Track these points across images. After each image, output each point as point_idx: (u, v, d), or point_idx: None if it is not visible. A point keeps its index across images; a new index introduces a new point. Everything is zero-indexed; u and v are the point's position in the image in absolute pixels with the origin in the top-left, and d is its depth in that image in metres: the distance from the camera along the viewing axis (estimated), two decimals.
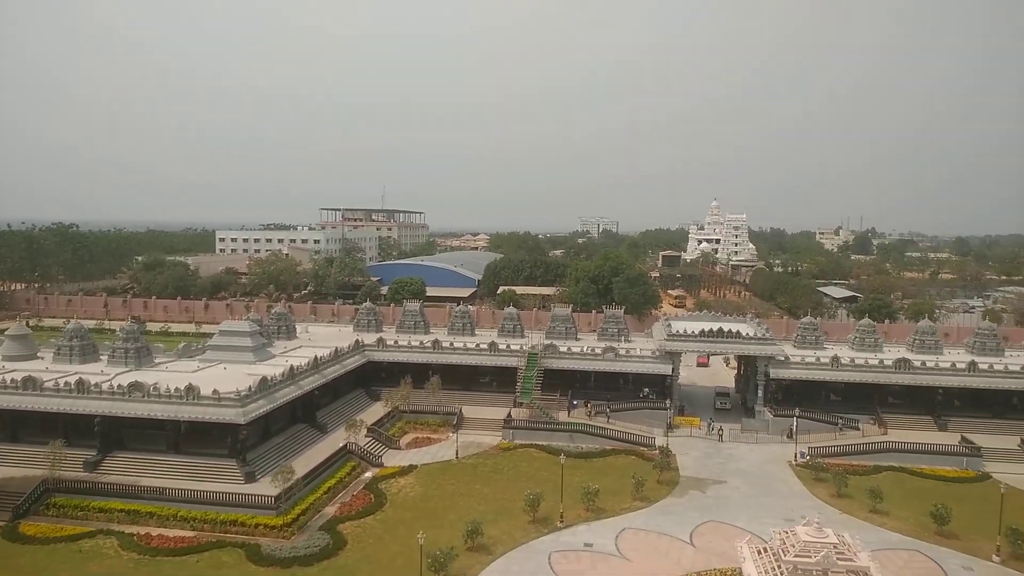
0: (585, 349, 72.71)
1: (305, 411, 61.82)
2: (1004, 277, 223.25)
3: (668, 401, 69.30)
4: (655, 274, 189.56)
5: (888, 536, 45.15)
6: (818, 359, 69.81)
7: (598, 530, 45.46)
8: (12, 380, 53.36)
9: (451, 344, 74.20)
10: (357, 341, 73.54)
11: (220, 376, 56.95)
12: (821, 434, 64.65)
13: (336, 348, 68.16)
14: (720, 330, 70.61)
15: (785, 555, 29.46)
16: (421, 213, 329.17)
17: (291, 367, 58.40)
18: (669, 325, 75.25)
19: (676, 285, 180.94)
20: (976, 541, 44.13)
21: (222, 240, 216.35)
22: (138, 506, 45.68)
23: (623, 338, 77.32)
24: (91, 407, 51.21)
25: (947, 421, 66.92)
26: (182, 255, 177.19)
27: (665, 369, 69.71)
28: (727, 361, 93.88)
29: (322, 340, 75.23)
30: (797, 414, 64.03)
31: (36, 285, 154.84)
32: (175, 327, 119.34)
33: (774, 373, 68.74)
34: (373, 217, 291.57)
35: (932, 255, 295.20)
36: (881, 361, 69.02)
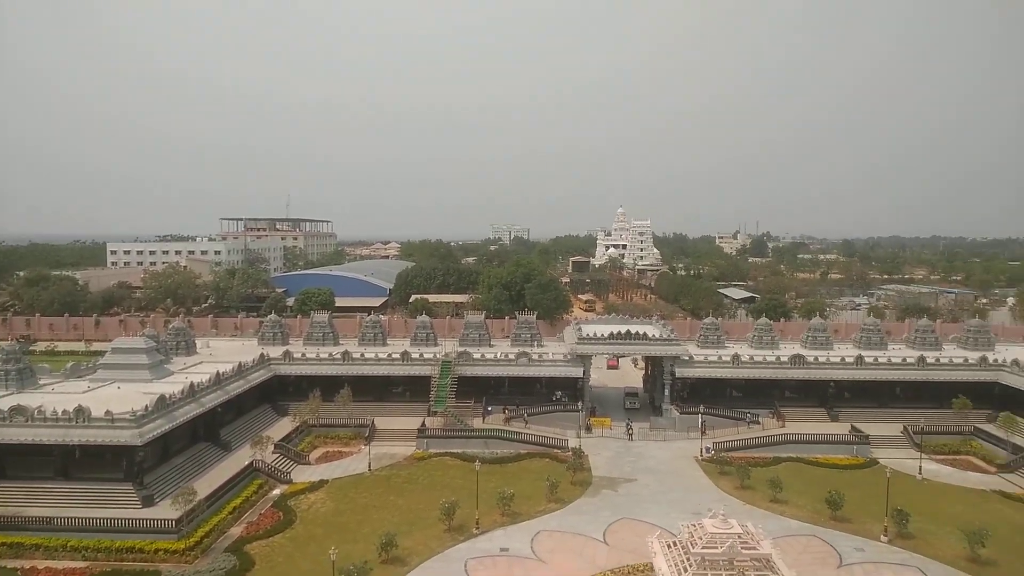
0: (499, 355, 72.97)
1: (208, 429, 59.12)
2: (886, 276, 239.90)
3: (580, 403, 70.52)
4: (566, 279, 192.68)
5: (788, 523, 47.46)
6: (720, 358, 72.78)
7: (514, 534, 45.62)
8: None
9: (362, 355, 72.83)
10: (262, 355, 71.06)
11: (114, 396, 53.69)
12: (725, 429, 67.39)
13: (240, 363, 65.62)
14: (628, 332, 72.48)
15: (693, 547, 30.50)
16: (328, 222, 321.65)
17: (191, 384, 55.75)
18: (580, 329, 76.63)
19: (586, 290, 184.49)
20: (866, 523, 47.02)
21: (113, 253, 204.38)
22: (22, 538, 42.32)
23: (536, 343, 78.11)
24: None
25: (838, 412, 71.10)
26: (69, 269, 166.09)
27: (577, 372, 70.88)
28: (635, 362, 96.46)
29: (225, 355, 72.23)
30: (702, 411, 66.47)
31: None
32: (63, 346, 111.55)
33: (680, 372, 71.13)
34: (278, 227, 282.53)
35: (822, 257, 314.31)
36: (778, 358, 72.66)
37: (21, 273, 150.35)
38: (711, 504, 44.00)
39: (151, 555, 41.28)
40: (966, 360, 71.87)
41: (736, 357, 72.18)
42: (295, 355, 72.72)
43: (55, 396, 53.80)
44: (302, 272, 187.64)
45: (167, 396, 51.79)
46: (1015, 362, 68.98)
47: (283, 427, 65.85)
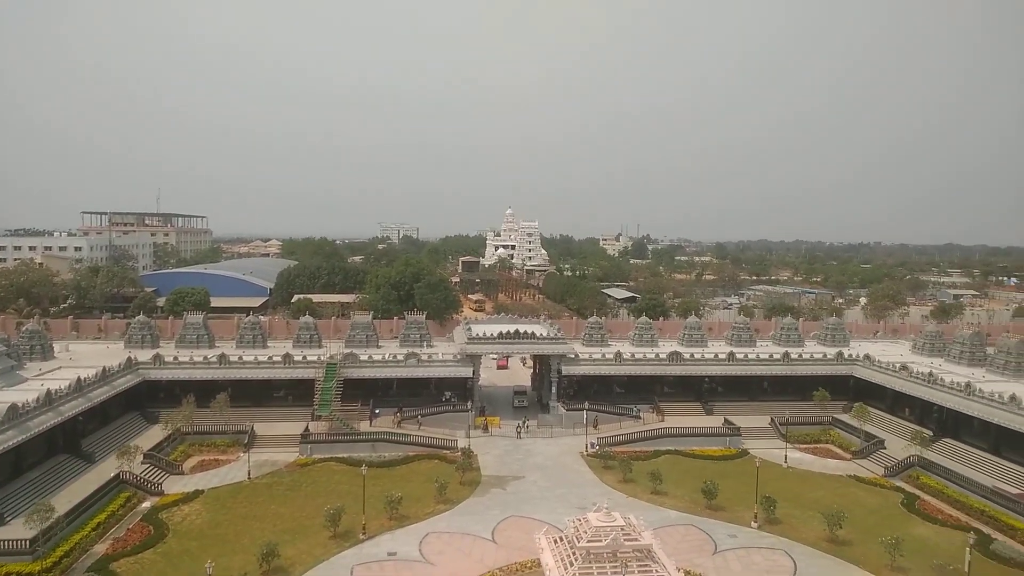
0: (387, 356, 71.80)
1: (68, 440, 54.52)
2: (754, 277, 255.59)
3: (470, 403, 70.59)
4: (456, 279, 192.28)
5: (667, 514, 49.56)
6: (604, 355, 75.03)
7: (402, 538, 44.99)
8: None
9: (240, 358, 69.56)
10: (129, 359, 66.44)
11: None
12: (609, 424, 69.54)
13: (104, 368, 60.95)
14: (517, 332, 73.31)
15: (579, 541, 31.14)
16: (203, 217, 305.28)
17: (48, 391, 51.21)
18: (469, 329, 76.74)
19: (476, 290, 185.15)
20: (739, 511, 49.86)
21: None
22: None
23: (425, 343, 77.46)
24: None
25: (713, 406, 75.04)
26: None
27: (466, 372, 70.90)
28: (524, 361, 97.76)
29: (87, 359, 66.92)
30: (587, 407, 68.22)
31: None
32: None
33: (566, 370, 72.72)
34: (147, 222, 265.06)
35: (697, 259, 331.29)
36: (657, 355, 75.81)
37: None
38: (596, 498, 45.20)
39: None
40: (825, 355, 77.80)
41: (619, 355, 74.65)
42: (167, 359, 68.47)
43: None
44: (174, 270, 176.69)
45: (19, 405, 47.30)
46: (867, 357, 75.41)
47: (154, 436, 61.77)
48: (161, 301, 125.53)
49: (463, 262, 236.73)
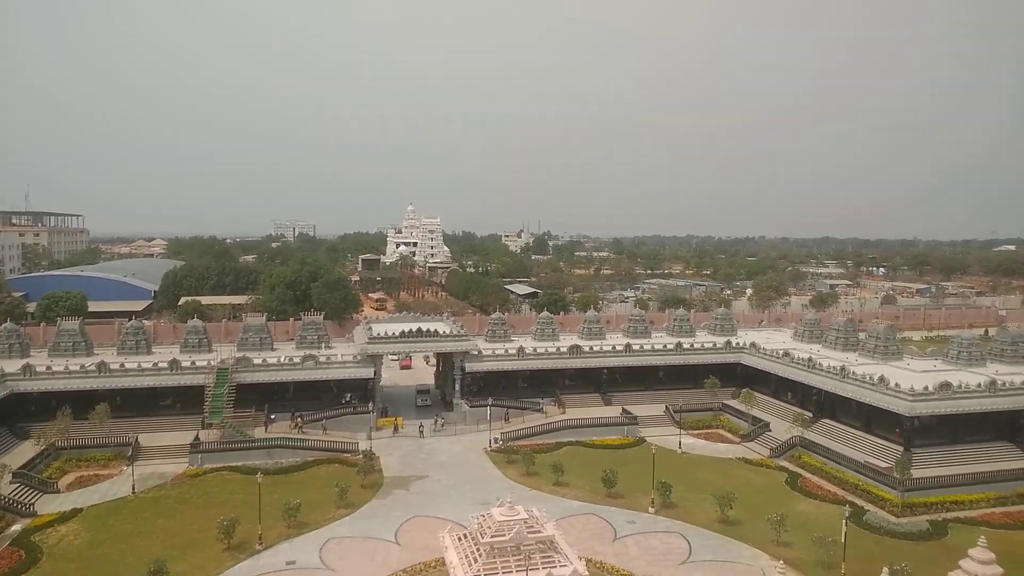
0: (283, 359, 69.39)
1: None
2: (649, 271, 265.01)
3: (371, 404, 69.35)
4: (355, 278, 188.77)
5: (569, 504, 50.51)
6: (507, 351, 75.59)
7: (301, 546, 43.63)
8: None
9: (122, 365, 65.37)
10: None
11: None
12: (512, 419, 70.12)
13: None
14: (419, 330, 72.64)
15: (483, 537, 31.21)
16: (79, 216, 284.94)
17: None
18: (370, 328, 75.35)
19: (377, 288, 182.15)
20: (637, 497, 51.46)
21: None
22: None
23: (323, 345, 75.39)
24: None
25: (611, 396, 77.11)
26: None
27: (367, 373, 69.60)
28: (427, 359, 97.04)
29: None
30: (490, 403, 68.48)
31: None
32: None
33: (469, 367, 72.74)
34: (14, 221, 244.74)
35: (595, 254, 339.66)
36: (558, 348, 77.12)
37: None
38: (500, 493, 45.45)
39: None
40: (715, 344, 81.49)
41: (521, 350, 75.40)
42: (38, 369, 63.40)
43: None
44: (47, 273, 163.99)
45: None
46: (753, 345, 79.56)
47: (24, 452, 57.03)
48: (31, 307, 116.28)
49: (363, 260, 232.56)
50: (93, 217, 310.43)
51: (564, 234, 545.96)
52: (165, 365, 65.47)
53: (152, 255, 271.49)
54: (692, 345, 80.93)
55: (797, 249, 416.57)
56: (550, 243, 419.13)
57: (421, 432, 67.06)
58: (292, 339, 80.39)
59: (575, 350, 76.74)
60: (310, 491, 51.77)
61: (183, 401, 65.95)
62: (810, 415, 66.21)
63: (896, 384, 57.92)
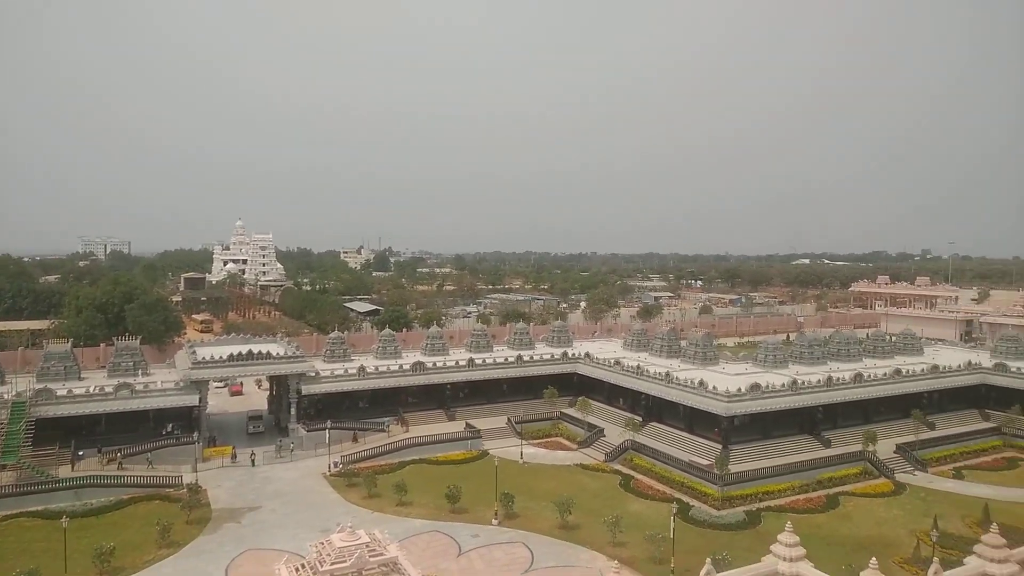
0: (93, 389, 62.77)
1: None
2: (491, 286, 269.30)
3: (197, 434, 64.42)
4: (177, 299, 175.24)
5: (413, 523, 49.77)
6: (347, 371, 73.48)
7: None
8: None
9: None
10: None
11: None
12: (357, 440, 68.08)
13: None
14: (250, 353, 68.75)
15: (322, 566, 29.85)
16: None
17: None
18: (194, 352, 70.22)
19: (202, 309, 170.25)
20: (481, 511, 51.74)
21: None
22: None
23: (140, 372, 69.18)
24: None
25: (455, 411, 77.25)
26: None
27: (192, 400, 64.70)
28: (259, 383, 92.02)
29: None
30: (329, 426, 66.06)
31: None
32: None
33: (306, 389, 69.85)
34: None
35: (438, 270, 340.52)
36: (401, 366, 76.16)
37: None
38: (340, 518, 43.80)
39: None
40: (553, 356, 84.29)
41: (362, 369, 73.61)
42: None
43: None
44: None
45: None
46: (587, 355, 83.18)
47: None
48: None
49: (186, 279, 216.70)
50: None
51: (406, 250, 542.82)
52: None
53: None
54: (532, 357, 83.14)
55: (625, 264, 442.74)
56: (392, 259, 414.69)
57: (253, 461, 63.26)
58: (104, 367, 73.03)
59: (418, 367, 76.17)
60: (126, 532, 47.08)
61: None
62: (640, 419, 70.16)
63: (714, 387, 62.92)
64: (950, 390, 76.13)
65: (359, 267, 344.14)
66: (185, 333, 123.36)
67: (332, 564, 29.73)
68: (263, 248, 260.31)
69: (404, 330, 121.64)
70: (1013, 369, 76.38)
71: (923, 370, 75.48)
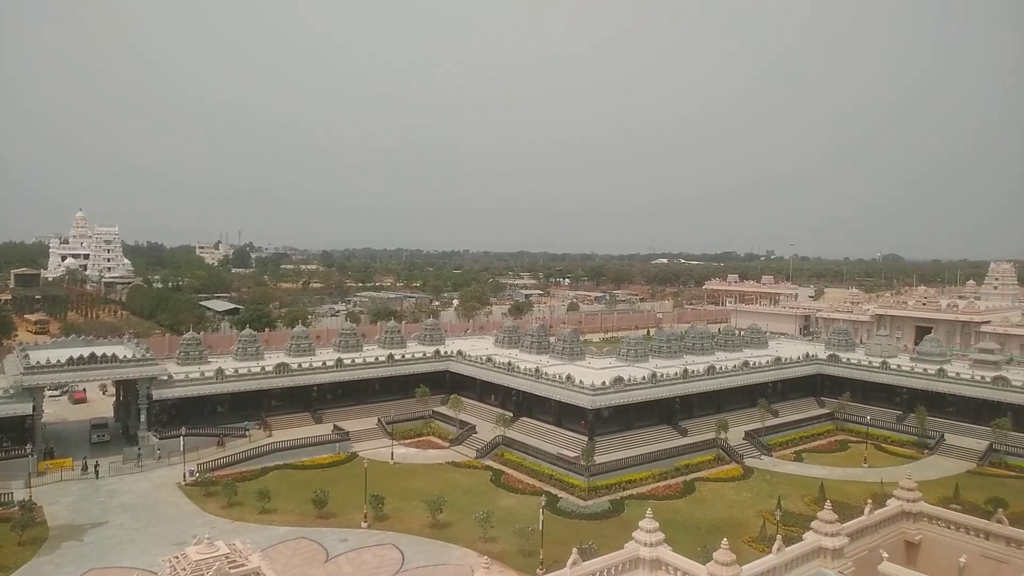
0: None
1: None
2: (360, 284, 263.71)
3: (30, 446, 58.40)
4: (7, 297, 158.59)
5: (277, 531, 47.77)
6: (203, 373, 69.32)
7: None
8: None
9: None
10: None
11: None
12: (212, 448, 64.34)
13: None
14: (93, 356, 63.19)
15: None
16: None
17: None
18: (27, 356, 63.55)
19: (36, 308, 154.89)
20: (350, 514, 50.50)
21: None
22: None
23: None
24: None
25: (323, 414, 74.89)
26: None
27: (24, 409, 58.64)
28: (104, 389, 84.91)
29: None
30: (184, 433, 62.00)
31: None
32: None
33: (158, 394, 65.23)
34: None
35: (303, 267, 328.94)
36: (263, 368, 72.81)
37: None
38: (197, 530, 41.23)
39: None
40: (425, 354, 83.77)
41: (220, 371, 69.74)
42: None
43: None
44: None
45: None
46: (459, 352, 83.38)
47: None
48: None
49: (16, 275, 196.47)
50: None
51: (269, 246, 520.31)
52: None
53: None
54: (403, 356, 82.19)
55: (497, 263, 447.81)
56: (253, 255, 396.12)
57: (97, 472, 58.23)
58: None
59: (282, 368, 73.13)
60: None
61: None
62: (511, 415, 71.26)
63: (580, 381, 65.02)
64: (791, 380, 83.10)
65: (217, 263, 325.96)
66: (16, 335, 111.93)
67: None
68: (108, 242, 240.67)
69: (267, 330, 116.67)
70: (844, 360, 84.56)
71: (768, 362, 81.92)
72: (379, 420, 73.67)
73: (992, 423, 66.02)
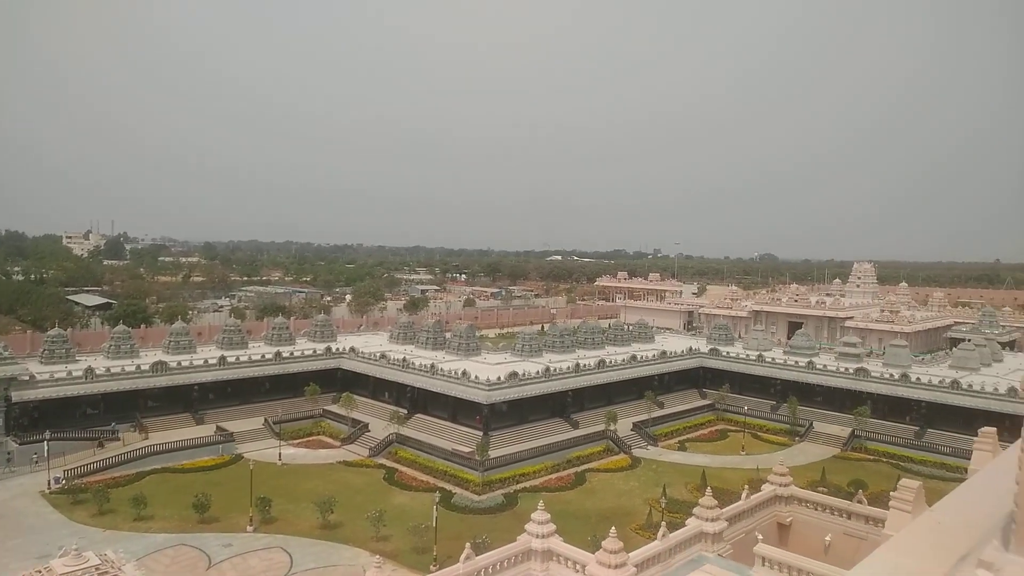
0: None
1: None
2: (246, 278, 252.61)
3: None
4: None
5: (155, 539, 45.14)
6: (71, 373, 64.43)
7: None
8: None
9: None
10: None
11: None
12: (80, 452, 59.89)
13: None
14: None
15: None
16: None
17: None
18: None
19: None
20: (234, 518, 48.42)
21: None
22: None
23: None
24: None
25: (204, 414, 71.28)
26: None
27: None
28: None
29: None
30: (48, 437, 57.35)
31: None
32: None
33: (17, 396, 60.04)
34: None
35: (184, 260, 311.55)
36: (138, 367, 68.53)
37: None
38: (64, 541, 38.32)
39: None
40: (315, 351, 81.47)
41: (90, 371, 65.02)
42: None
43: None
44: None
45: None
46: (352, 349, 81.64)
47: None
48: None
49: None
50: None
51: (145, 236, 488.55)
52: None
53: None
54: (292, 353, 79.57)
55: (392, 257, 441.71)
56: (127, 246, 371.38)
57: None
58: None
59: (160, 367, 69.04)
60: None
61: None
62: (406, 412, 70.56)
63: (476, 377, 65.25)
64: (676, 373, 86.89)
65: (86, 254, 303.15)
66: None
67: None
68: None
69: (143, 326, 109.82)
70: (724, 353, 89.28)
71: (654, 356, 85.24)
72: (266, 420, 71.01)
73: (854, 411, 71.69)
